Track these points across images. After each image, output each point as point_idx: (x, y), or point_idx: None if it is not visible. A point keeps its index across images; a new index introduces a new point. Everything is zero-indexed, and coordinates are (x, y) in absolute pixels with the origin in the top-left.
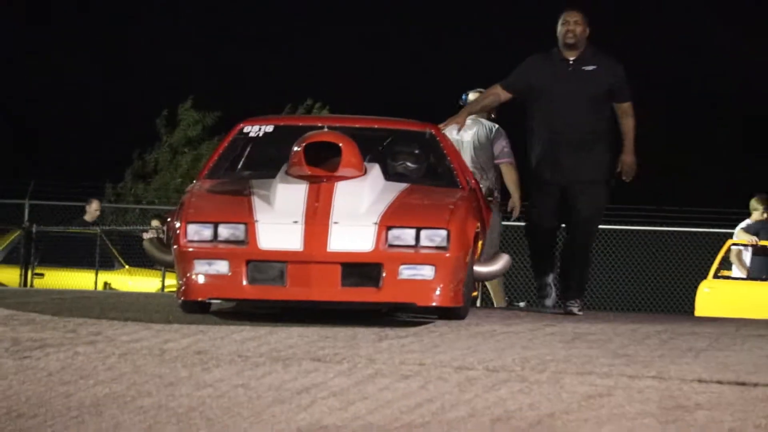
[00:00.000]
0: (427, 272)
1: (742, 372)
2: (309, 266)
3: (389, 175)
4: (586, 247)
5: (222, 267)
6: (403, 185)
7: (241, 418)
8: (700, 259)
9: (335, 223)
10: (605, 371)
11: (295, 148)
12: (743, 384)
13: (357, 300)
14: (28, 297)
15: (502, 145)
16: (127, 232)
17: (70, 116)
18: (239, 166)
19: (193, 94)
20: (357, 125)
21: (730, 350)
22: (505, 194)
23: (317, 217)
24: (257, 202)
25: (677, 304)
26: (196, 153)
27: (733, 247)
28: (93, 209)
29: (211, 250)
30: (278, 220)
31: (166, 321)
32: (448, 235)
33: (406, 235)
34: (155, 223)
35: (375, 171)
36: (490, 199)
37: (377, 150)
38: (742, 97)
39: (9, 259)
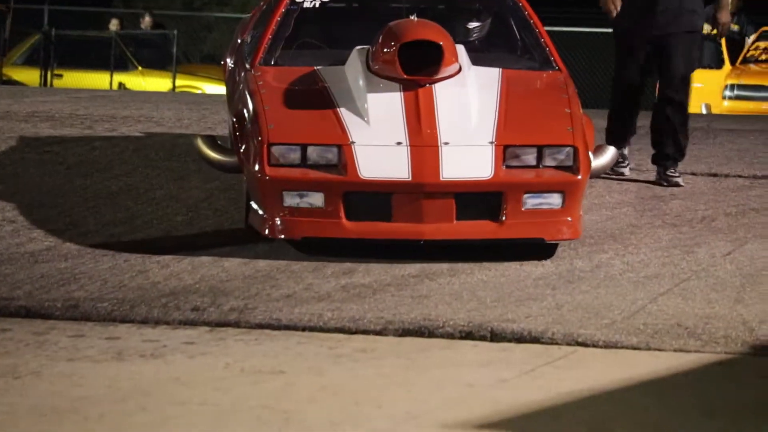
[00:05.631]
0: (555, 200)
1: (714, 164)
2: (419, 198)
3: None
4: (685, 107)
5: (316, 200)
6: (496, 73)
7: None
8: None
9: (445, 143)
10: None
11: (384, 48)
12: (715, 175)
13: (475, 237)
14: (48, 96)
15: None
16: (140, 35)
17: None
18: (294, 46)
19: None
20: None
21: (703, 144)
22: None
23: (423, 137)
24: (347, 116)
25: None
26: None
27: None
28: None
29: (303, 180)
30: (378, 140)
31: (177, 119)
32: (575, 153)
33: (527, 155)
34: (145, 20)
35: (465, 60)
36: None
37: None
38: None
39: (30, 61)
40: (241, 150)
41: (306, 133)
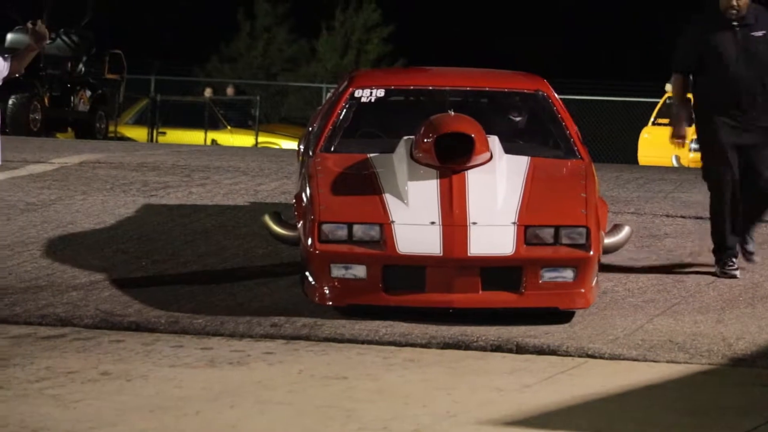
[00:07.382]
0: (568, 274)
1: (699, 209)
2: (449, 271)
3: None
4: (765, 208)
5: (359, 272)
6: (525, 161)
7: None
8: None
9: (473, 223)
10: None
11: (424, 138)
12: (700, 218)
13: (498, 306)
14: (154, 150)
15: None
16: (228, 100)
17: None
18: (353, 136)
19: None
20: (466, 87)
21: (691, 192)
22: None
23: (454, 218)
24: (390, 199)
25: (624, 150)
26: (269, 37)
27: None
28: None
29: (348, 254)
30: (414, 220)
31: (259, 169)
32: (588, 233)
33: (545, 234)
34: (229, 90)
35: (498, 149)
36: None
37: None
38: None
39: (139, 121)
40: (299, 226)
41: (352, 213)
